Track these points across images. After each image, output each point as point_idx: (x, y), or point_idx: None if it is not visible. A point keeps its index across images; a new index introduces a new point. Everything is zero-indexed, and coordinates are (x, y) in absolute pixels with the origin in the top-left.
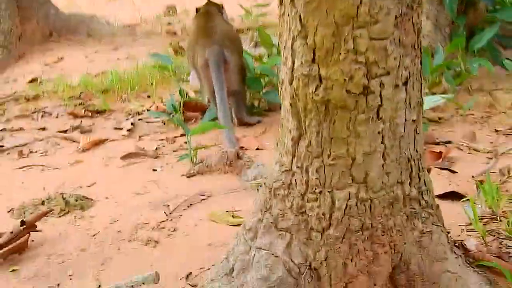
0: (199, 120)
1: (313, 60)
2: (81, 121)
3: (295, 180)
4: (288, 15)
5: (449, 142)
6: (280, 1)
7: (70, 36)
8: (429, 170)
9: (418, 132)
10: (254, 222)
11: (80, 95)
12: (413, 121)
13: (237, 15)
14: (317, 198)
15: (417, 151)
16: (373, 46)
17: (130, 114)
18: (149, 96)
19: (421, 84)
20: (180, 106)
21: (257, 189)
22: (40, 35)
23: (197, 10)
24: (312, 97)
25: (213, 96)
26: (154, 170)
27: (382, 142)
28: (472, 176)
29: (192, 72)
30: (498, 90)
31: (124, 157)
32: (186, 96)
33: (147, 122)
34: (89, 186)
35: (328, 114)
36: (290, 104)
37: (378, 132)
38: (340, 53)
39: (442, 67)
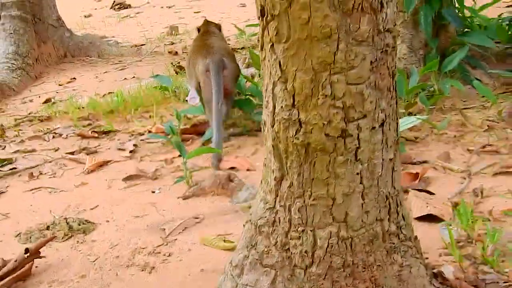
0: (196, 141)
1: (293, 105)
2: (88, 142)
3: (279, 218)
4: (269, 60)
5: (425, 161)
6: (261, 46)
7: (83, 57)
8: (406, 192)
9: (395, 169)
10: (241, 258)
11: (88, 116)
12: (390, 159)
13: (231, 34)
14: (300, 236)
15: (394, 188)
16: (350, 91)
17: (133, 135)
18: (151, 117)
19: (397, 124)
20: (178, 128)
21: (244, 225)
22: (56, 56)
23: (198, 30)
24: (293, 141)
25: (210, 106)
26: (153, 192)
27: (361, 183)
28: (448, 198)
29: (190, 92)
30: (468, 109)
31: (126, 179)
32: (184, 117)
33: (148, 142)
34: (92, 209)
35: (308, 156)
36: (273, 146)
37: (357, 173)
38: (318, 98)
39: (417, 89)
